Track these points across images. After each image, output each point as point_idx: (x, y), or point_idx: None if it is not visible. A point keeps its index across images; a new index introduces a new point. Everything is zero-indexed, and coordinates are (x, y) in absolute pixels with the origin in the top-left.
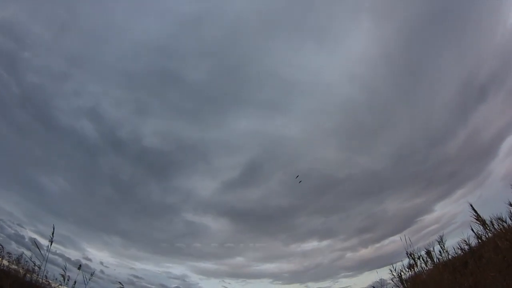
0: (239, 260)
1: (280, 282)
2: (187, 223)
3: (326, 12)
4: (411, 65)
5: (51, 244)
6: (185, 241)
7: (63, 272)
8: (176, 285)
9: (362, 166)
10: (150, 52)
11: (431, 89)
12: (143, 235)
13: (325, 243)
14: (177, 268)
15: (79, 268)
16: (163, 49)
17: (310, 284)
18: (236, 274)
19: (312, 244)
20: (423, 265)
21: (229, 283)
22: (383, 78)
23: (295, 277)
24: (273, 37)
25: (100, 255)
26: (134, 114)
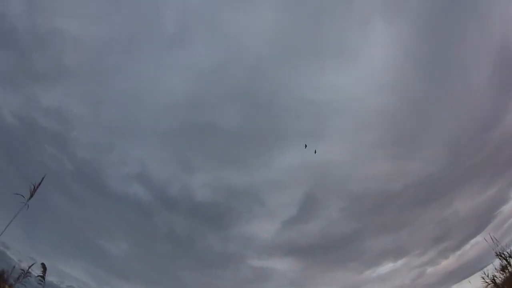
0: None
1: None
2: (254, 269)
3: (336, 27)
4: (436, 55)
5: None
6: (254, 287)
7: None
8: None
9: (416, 172)
10: (182, 108)
11: (464, 75)
12: (208, 287)
13: (400, 262)
14: None
15: None
16: (193, 103)
17: None
18: None
19: (387, 267)
20: None
21: None
22: (412, 76)
23: None
24: (293, 65)
25: None
26: (181, 171)
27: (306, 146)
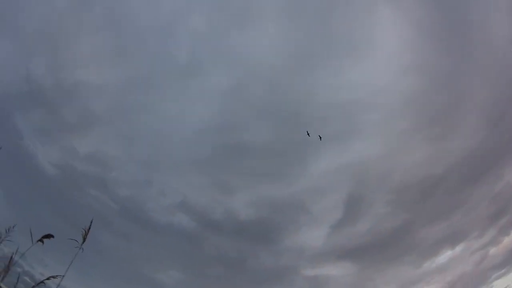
0: None
1: None
2: (308, 278)
3: (343, 23)
4: (451, 23)
5: None
6: None
7: None
8: None
9: (458, 150)
10: (210, 133)
11: (487, 39)
12: None
13: (459, 248)
14: None
15: None
16: (220, 126)
17: None
18: None
19: (445, 255)
20: None
21: None
22: (431, 53)
23: None
24: (310, 71)
25: None
26: (220, 194)
27: (308, 133)
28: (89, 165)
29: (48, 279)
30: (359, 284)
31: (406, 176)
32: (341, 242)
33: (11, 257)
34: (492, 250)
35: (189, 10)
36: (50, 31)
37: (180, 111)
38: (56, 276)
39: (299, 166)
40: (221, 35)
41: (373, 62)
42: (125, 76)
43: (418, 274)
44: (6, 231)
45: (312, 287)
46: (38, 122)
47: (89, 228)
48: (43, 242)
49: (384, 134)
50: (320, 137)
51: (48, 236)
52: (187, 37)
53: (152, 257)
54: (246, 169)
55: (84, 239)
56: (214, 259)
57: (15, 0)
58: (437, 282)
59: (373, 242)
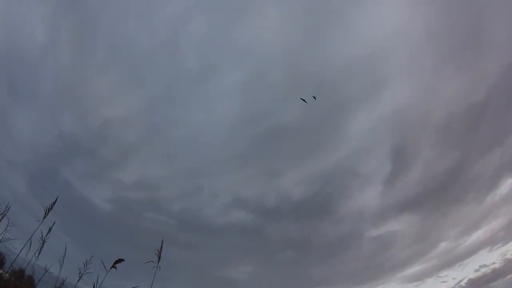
0: (443, 246)
1: (500, 244)
2: (374, 239)
3: None
4: None
5: None
6: (381, 257)
7: None
8: None
9: (495, 69)
10: (242, 126)
11: None
12: (340, 273)
13: None
14: (387, 287)
15: None
16: (249, 117)
17: None
18: (449, 262)
19: (506, 184)
20: None
21: (446, 275)
22: None
23: None
24: (321, 37)
25: None
26: (269, 180)
27: (304, 100)
28: (138, 192)
29: None
30: (425, 233)
31: (446, 112)
32: (397, 196)
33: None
34: None
35: (187, 17)
36: (65, 86)
37: (207, 115)
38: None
39: (336, 133)
40: (224, 33)
41: (379, 9)
42: (145, 100)
43: (482, 210)
44: (84, 264)
45: (379, 247)
46: (82, 169)
47: (161, 247)
48: (116, 267)
49: (411, 76)
50: (314, 98)
51: (119, 260)
52: (192, 44)
53: (221, 258)
54: (286, 150)
55: (159, 258)
56: (279, 244)
57: (26, 69)
58: (503, 214)
59: (429, 188)
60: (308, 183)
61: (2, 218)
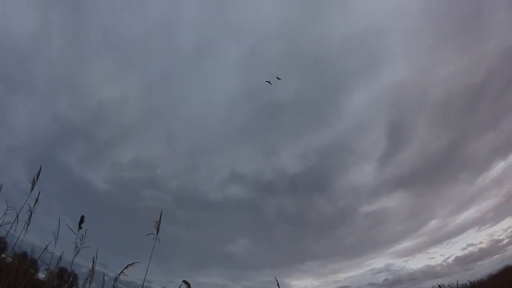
0: (433, 223)
1: (488, 225)
2: (367, 215)
3: None
4: None
5: None
6: (374, 232)
7: None
8: (384, 278)
9: (495, 52)
10: (240, 102)
11: None
12: (334, 247)
13: None
14: (378, 262)
15: None
16: (247, 94)
17: None
18: (438, 239)
19: (498, 167)
20: None
21: (434, 252)
22: None
23: (501, 212)
24: (317, 13)
25: (303, 283)
26: (265, 155)
27: (269, 82)
28: (135, 171)
29: (126, 267)
30: (418, 210)
31: (443, 93)
32: (391, 173)
33: (93, 262)
34: None
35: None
36: (59, 71)
37: (204, 94)
38: (133, 263)
39: (333, 109)
40: (218, 11)
41: None
42: (142, 82)
43: (474, 191)
44: (80, 239)
45: (372, 222)
46: (80, 152)
47: (160, 219)
48: (82, 227)
49: (410, 54)
50: (279, 78)
51: (82, 219)
52: (187, 24)
53: (218, 233)
54: (284, 125)
55: (158, 230)
56: (276, 219)
57: (20, 58)
58: (493, 196)
59: (423, 166)
60: (305, 158)
61: None
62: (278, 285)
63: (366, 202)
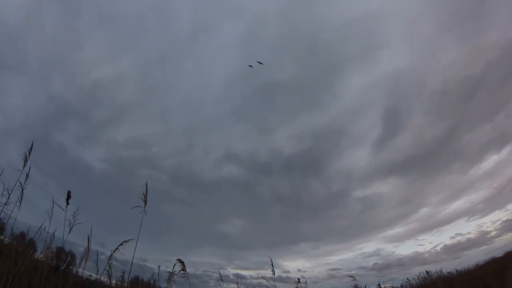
0: (424, 211)
1: (477, 216)
2: (360, 199)
3: None
4: None
5: (274, 273)
6: (366, 217)
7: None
8: (374, 262)
9: (495, 43)
10: (236, 82)
11: None
12: (326, 230)
13: (505, 151)
14: (369, 246)
15: (298, 281)
16: (245, 74)
17: (510, 206)
18: (428, 227)
19: (491, 160)
20: None
21: (423, 239)
22: None
23: (491, 204)
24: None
25: (295, 265)
26: (261, 136)
27: (251, 66)
28: (131, 149)
29: (121, 244)
30: (410, 197)
31: (441, 82)
32: (385, 159)
33: (88, 240)
34: None
35: None
36: (52, 51)
37: (200, 74)
38: (128, 240)
39: (329, 93)
40: None
41: None
42: (137, 61)
43: (466, 181)
44: (73, 216)
45: (364, 207)
46: (75, 132)
47: (146, 191)
48: (69, 203)
49: (410, 41)
50: (260, 63)
51: (69, 194)
52: (182, 4)
53: (213, 212)
54: (280, 106)
55: (145, 202)
56: (270, 199)
57: (11, 39)
58: (484, 188)
59: (418, 154)
60: (300, 140)
61: None
62: (272, 264)
63: (360, 186)
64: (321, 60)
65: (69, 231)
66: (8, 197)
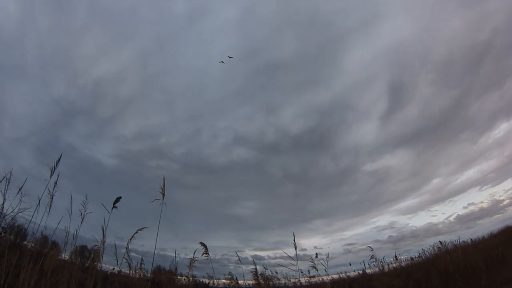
0: (435, 182)
1: (489, 185)
2: (371, 173)
3: None
4: None
5: (296, 249)
6: (377, 190)
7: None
8: (388, 235)
9: (503, 9)
10: (238, 63)
11: None
12: (339, 206)
13: None
14: (383, 219)
15: (316, 256)
16: (245, 54)
17: None
18: (440, 197)
19: (501, 128)
20: None
21: (436, 210)
22: None
23: (503, 173)
24: None
25: (311, 242)
26: (267, 116)
27: (222, 61)
28: (139, 142)
29: (136, 232)
30: (419, 169)
31: (447, 50)
32: (393, 132)
33: (103, 230)
34: None
35: None
36: (50, 52)
37: (201, 57)
38: (142, 228)
39: (333, 66)
40: None
41: None
42: (136, 52)
43: (476, 151)
44: (83, 205)
45: (375, 181)
46: (83, 130)
47: (164, 185)
48: (116, 207)
49: (412, 9)
50: (230, 57)
51: (117, 199)
52: None
53: (226, 196)
54: (283, 84)
55: (163, 195)
56: (280, 179)
57: (6, 44)
58: (495, 157)
59: (425, 125)
60: (306, 117)
61: (18, 192)
62: (294, 240)
63: (369, 160)
64: (322, 34)
65: (82, 221)
66: (38, 204)
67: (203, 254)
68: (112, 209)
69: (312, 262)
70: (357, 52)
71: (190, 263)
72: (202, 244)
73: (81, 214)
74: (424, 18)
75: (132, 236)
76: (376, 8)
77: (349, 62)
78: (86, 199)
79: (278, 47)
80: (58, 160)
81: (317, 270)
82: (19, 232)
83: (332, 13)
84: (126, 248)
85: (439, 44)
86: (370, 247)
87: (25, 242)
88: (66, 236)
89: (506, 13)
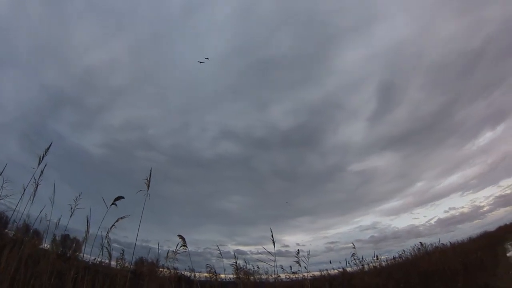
0: (419, 185)
1: (471, 191)
2: (357, 173)
3: None
4: None
5: (275, 245)
6: (362, 190)
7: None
8: (370, 235)
9: (497, 17)
10: (231, 59)
11: None
12: (324, 204)
13: (500, 128)
14: (366, 219)
15: (298, 253)
16: (239, 50)
17: (503, 182)
18: (422, 200)
19: (486, 136)
20: None
21: (418, 213)
22: None
23: (484, 179)
24: None
25: (294, 239)
26: (257, 111)
27: (200, 61)
28: (128, 132)
29: (117, 221)
30: (405, 171)
31: (438, 56)
32: (381, 133)
33: (87, 221)
34: None
35: None
36: (42, 40)
37: (195, 52)
38: (124, 216)
39: (324, 66)
40: None
41: None
42: (129, 44)
43: (460, 156)
44: (74, 201)
45: (361, 180)
46: (71, 119)
47: (150, 176)
48: (116, 204)
49: (408, 12)
50: (207, 58)
51: (119, 197)
52: None
53: (212, 190)
54: (275, 81)
55: (148, 186)
56: (268, 175)
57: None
58: (478, 164)
59: (413, 128)
60: (295, 114)
61: None
62: (272, 235)
63: (356, 160)
64: (317, 33)
65: (71, 215)
66: (23, 193)
67: (181, 246)
68: (111, 205)
69: (296, 257)
70: (351, 52)
71: (167, 255)
72: (181, 236)
73: (71, 208)
74: (419, 21)
75: (113, 225)
76: (373, 10)
77: (342, 61)
78: (79, 195)
79: (273, 44)
80: (47, 149)
81: (299, 266)
82: (0, 219)
83: (330, 13)
84: (106, 236)
85: (433, 48)
86: (353, 244)
87: (6, 230)
88: (48, 225)
89: (499, 22)
